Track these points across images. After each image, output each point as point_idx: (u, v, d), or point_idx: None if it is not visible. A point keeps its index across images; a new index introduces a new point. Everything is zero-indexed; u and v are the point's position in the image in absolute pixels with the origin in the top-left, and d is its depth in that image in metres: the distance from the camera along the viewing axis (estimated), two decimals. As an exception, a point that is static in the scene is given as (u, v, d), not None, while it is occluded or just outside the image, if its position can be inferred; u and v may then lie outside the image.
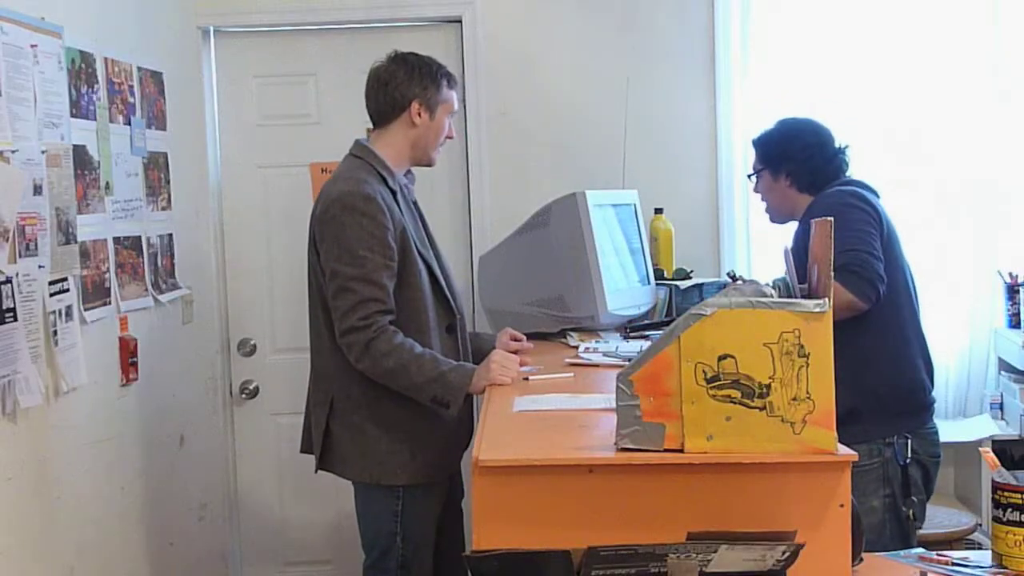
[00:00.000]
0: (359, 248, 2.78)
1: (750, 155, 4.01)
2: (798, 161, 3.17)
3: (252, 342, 4.32)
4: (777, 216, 3.32)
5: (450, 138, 3.07)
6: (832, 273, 2.69)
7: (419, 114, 2.95)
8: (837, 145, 3.19)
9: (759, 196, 3.35)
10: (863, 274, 2.84)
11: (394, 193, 2.92)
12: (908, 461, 2.88)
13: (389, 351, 2.76)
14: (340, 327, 2.79)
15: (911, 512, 2.89)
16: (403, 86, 2.94)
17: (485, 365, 2.78)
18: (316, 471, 3.01)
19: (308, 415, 3.07)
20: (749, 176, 3.38)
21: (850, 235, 2.87)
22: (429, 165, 3.10)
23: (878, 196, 3.13)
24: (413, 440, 2.89)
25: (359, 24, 4.20)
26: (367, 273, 2.78)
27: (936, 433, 3.06)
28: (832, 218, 1.92)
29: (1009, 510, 1.95)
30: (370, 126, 3.05)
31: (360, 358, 2.78)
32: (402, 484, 2.89)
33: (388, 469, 2.88)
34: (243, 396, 4.32)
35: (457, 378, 2.78)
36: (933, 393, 3.08)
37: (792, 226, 3.22)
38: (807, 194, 3.16)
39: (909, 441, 2.89)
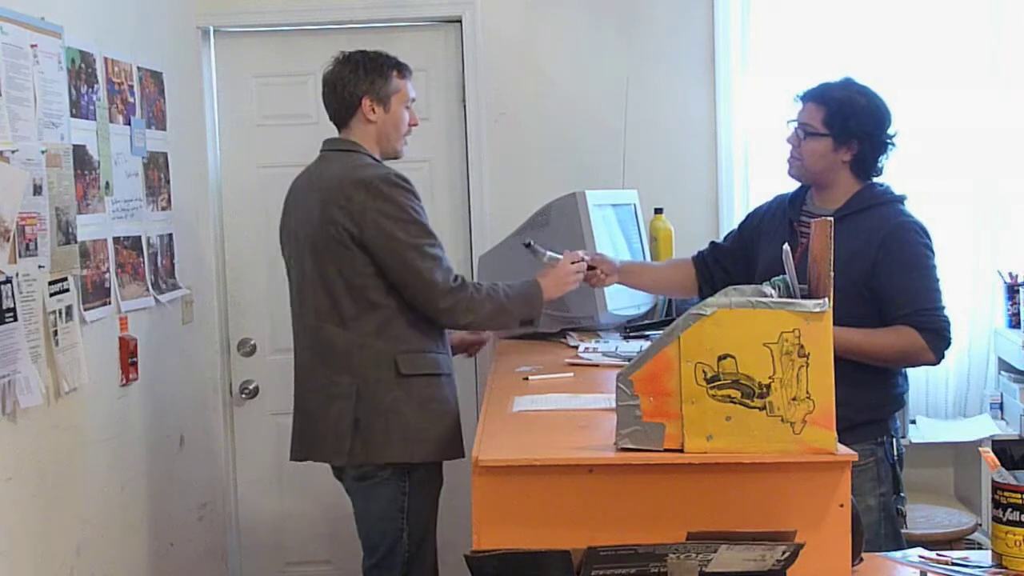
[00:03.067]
0: (420, 218, 2.92)
1: (750, 155, 4.04)
2: (870, 142, 2.91)
3: (252, 342, 4.32)
4: (808, 178, 3.01)
5: (414, 125, 3.11)
6: (922, 331, 2.80)
7: (372, 109, 3.01)
8: (894, 131, 2.98)
9: (791, 147, 2.99)
10: (947, 336, 2.85)
11: None
12: (896, 459, 2.88)
13: (484, 298, 2.95)
14: (439, 290, 2.88)
15: (903, 510, 2.89)
16: (351, 85, 3.01)
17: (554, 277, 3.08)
18: (342, 470, 3.03)
19: (307, 418, 3.05)
20: (803, 133, 2.96)
21: (935, 289, 2.86)
22: (396, 157, 3.12)
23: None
24: (441, 416, 2.97)
25: (359, 24, 4.19)
26: (435, 242, 2.93)
27: (898, 429, 3.04)
28: (830, 220, 1.91)
29: (1009, 510, 1.94)
30: None
31: (465, 314, 2.92)
32: (433, 460, 2.98)
33: (423, 446, 2.93)
34: (243, 396, 4.32)
35: (536, 294, 3.04)
36: (907, 395, 3.08)
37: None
38: (857, 178, 2.95)
39: (895, 440, 2.89)
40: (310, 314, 3.02)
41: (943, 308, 2.86)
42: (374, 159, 3.02)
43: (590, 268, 3.23)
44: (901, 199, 2.99)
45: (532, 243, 3.26)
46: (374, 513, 2.99)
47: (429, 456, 2.95)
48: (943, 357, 2.88)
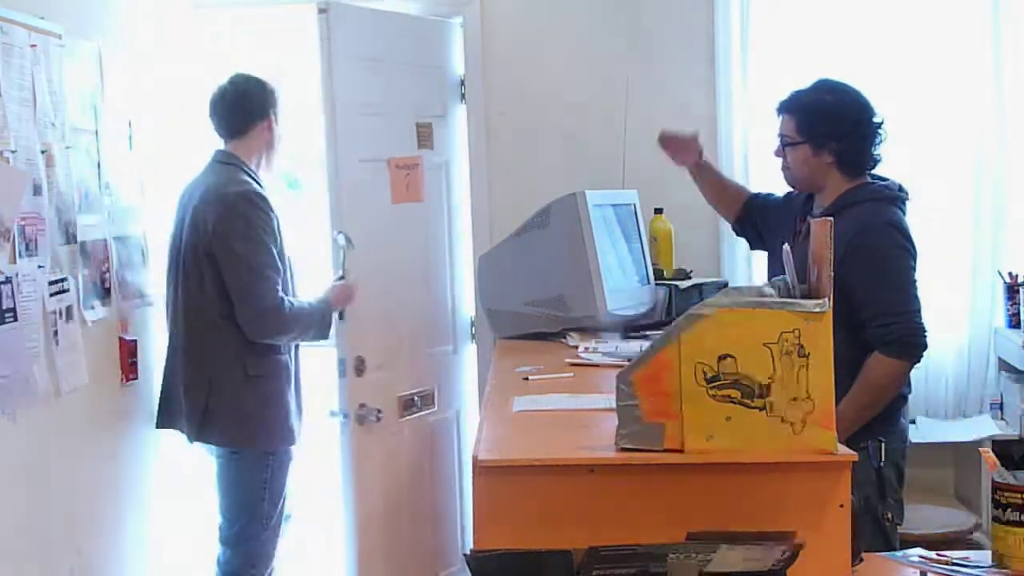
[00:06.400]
0: (265, 237, 3.23)
1: (750, 155, 4.04)
2: (848, 141, 2.93)
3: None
4: (801, 185, 3.10)
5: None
6: (884, 347, 2.79)
7: (269, 127, 3.40)
8: (877, 119, 2.99)
9: (781, 162, 3.08)
10: (918, 342, 2.83)
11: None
12: (883, 463, 2.86)
13: (291, 322, 3.28)
14: (258, 307, 3.21)
15: (889, 514, 2.86)
16: (259, 99, 3.39)
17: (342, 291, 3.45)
18: (192, 442, 3.37)
19: (169, 392, 3.38)
20: (784, 146, 3.05)
21: (902, 292, 2.84)
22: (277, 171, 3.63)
23: (908, 196, 3.02)
24: (281, 410, 3.34)
25: (359, 24, 4.19)
26: (272, 261, 3.24)
27: (905, 429, 3.03)
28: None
29: (1009, 510, 1.95)
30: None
31: (271, 334, 3.26)
32: (274, 450, 3.35)
33: (264, 436, 3.33)
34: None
35: (327, 312, 3.41)
36: (911, 395, 3.05)
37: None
38: (848, 177, 2.97)
39: (883, 444, 2.86)
40: (185, 298, 3.31)
41: (910, 312, 2.84)
42: (249, 173, 3.34)
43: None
44: (891, 198, 2.96)
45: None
46: (241, 484, 3.36)
47: (270, 446, 3.35)
48: (918, 356, 2.87)
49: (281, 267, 3.28)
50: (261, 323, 3.23)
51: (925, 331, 2.86)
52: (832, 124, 2.95)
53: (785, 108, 3.06)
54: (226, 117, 3.38)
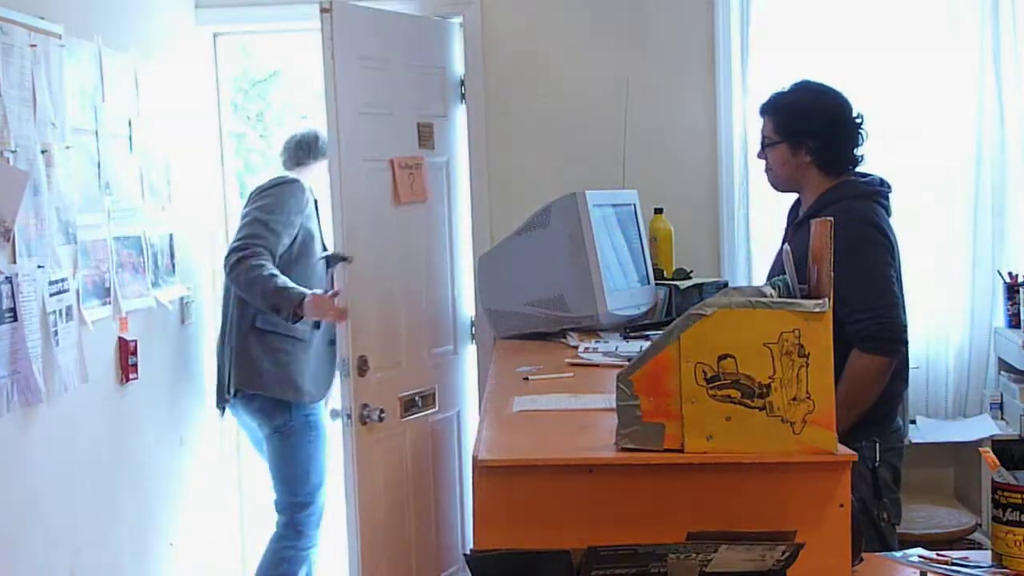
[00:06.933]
0: (277, 205, 3.72)
1: (751, 155, 4.03)
2: (824, 138, 2.95)
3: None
4: (784, 186, 3.10)
5: None
6: (861, 343, 2.76)
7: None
8: (857, 118, 2.99)
9: (763, 163, 3.10)
10: (895, 337, 2.81)
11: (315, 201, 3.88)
12: (878, 464, 2.84)
13: (243, 276, 3.59)
14: (232, 244, 3.68)
15: (885, 514, 2.85)
16: (323, 143, 3.79)
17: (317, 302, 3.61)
18: (219, 405, 3.84)
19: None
20: (764, 147, 3.07)
21: (876, 288, 2.82)
22: None
23: (890, 190, 3.02)
24: (286, 366, 3.74)
25: (359, 24, 4.18)
26: (266, 223, 3.67)
27: (900, 429, 3.02)
28: (833, 219, 1.92)
29: (1009, 510, 1.95)
30: None
31: (227, 272, 3.65)
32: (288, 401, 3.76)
33: (271, 384, 3.73)
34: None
35: (294, 300, 3.58)
36: (910, 395, 3.03)
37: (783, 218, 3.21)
38: (827, 175, 2.97)
39: (877, 444, 2.85)
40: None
41: (885, 307, 2.81)
42: (299, 181, 3.86)
43: None
44: (868, 193, 2.95)
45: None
46: (297, 456, 3.79)
47: (268, 390, 3.74)
48: (896, 351, 2.84)
49: (285, 237, 3.69)
50: (229, 256, 3.65)
51: (903, 325, 2.83)
52: (807, 123, 2.97)
53: (765, 109, 3.09)
54: (295, 151, 3.93)
